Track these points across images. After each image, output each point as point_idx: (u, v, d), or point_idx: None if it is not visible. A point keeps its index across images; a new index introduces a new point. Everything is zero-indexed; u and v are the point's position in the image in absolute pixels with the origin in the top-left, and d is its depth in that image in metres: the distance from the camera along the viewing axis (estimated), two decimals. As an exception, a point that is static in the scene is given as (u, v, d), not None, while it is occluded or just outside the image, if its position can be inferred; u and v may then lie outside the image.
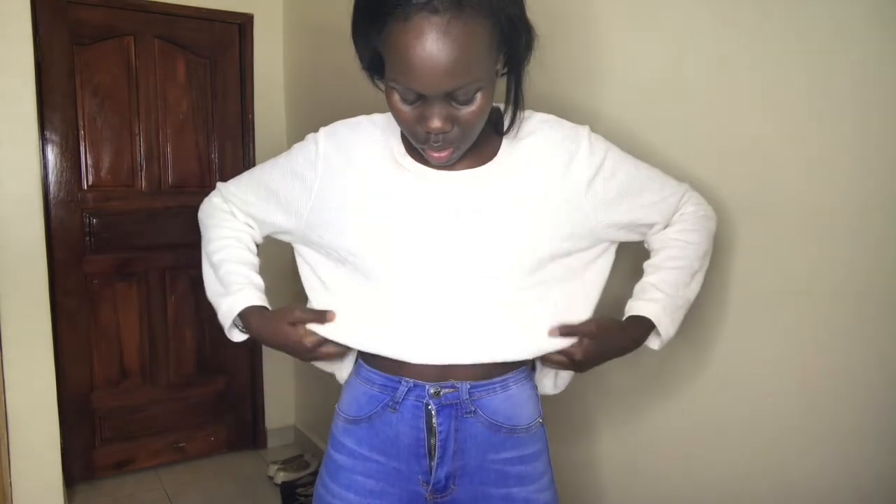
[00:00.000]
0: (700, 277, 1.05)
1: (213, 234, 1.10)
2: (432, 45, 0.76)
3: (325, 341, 0.98)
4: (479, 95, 0.82)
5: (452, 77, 0.78)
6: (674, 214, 1.04)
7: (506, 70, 0.90)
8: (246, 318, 1.02)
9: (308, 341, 0.98)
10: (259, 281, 1.06)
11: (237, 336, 1.06)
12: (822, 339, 1.04)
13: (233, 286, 1.03)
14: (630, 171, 0.99)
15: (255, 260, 1.09)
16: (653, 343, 1.03)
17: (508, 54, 0.86)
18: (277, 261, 1.74)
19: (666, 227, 1.04)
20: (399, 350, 0.94)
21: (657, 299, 1.00)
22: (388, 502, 0.98)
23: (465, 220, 0.92)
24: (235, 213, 1.10)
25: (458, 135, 0.85)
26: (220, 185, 1.14)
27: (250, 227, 1.10)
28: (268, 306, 1.04)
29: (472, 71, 0.79)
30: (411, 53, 0.77)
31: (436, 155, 0.88)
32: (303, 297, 1.05)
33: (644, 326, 1.00)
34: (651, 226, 1.02)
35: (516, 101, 0.92)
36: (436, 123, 0.82)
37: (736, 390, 1.18)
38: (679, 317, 1.02)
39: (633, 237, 1.03)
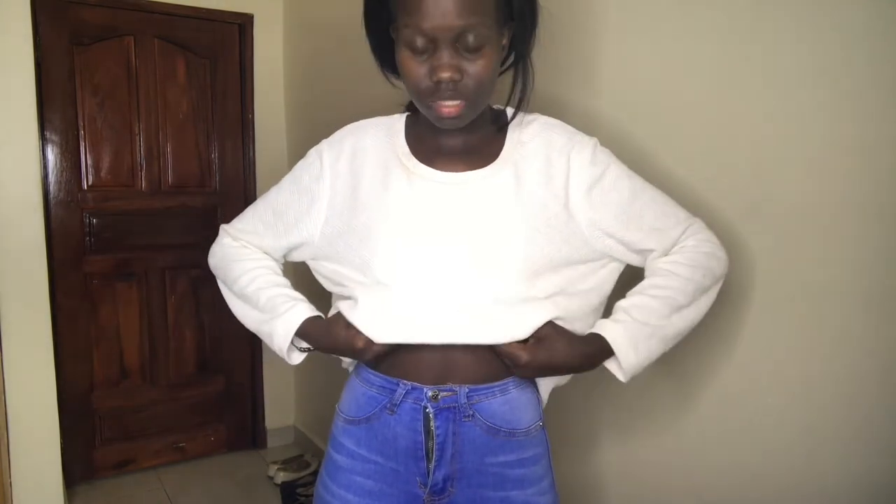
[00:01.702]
0: (688, 315, 0.97)
1: (236, 272, 1.07)
2: None
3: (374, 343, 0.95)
4: (486, 49, 0.84)
5: (460, 15, 0.80)
6: (673, 246, 0.99)
7: (512, 58, 0.92)
8: (305, 332, 1.00)
9: (362, 344, 0.95)
10: (302, 297, 1.04)
11: (296, 358, 1.04)
12: (824, 340, 1.04)
13: (280, 308, 1.01)
14: (632, 189, 0.97)
15: (287, 282, 1.07)
16: (615, 371, 0.95)
17: (515, 27, 0.88)
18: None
19: (664, 256, 1.00)
20: (401, 335, 0.93)
21: (621, 321, 0.94)
22: (387, 503, 0.98)
23: (467, 221, 0.92)
24: (248, 247, 1.10)
25: (468, 87, 0.85)
26: (224, 227, 1.13)
27: (268, 255, 1.10)
28: (322, 315, 1.03)
29: (479, 11, 0.81)
30: None
31: (445, 109, 0.86)
32: (320, 306, 1.06)
33: (599, 346, 0.94)
34: (650, 251, 0.99)
35: (525, 74, 0.92)
36: (445, 72, 0.83)
37: (737, 393, 1.18)
38: (648, 348, 0.94)
39: (632, 259, 1.01)
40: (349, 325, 0.96)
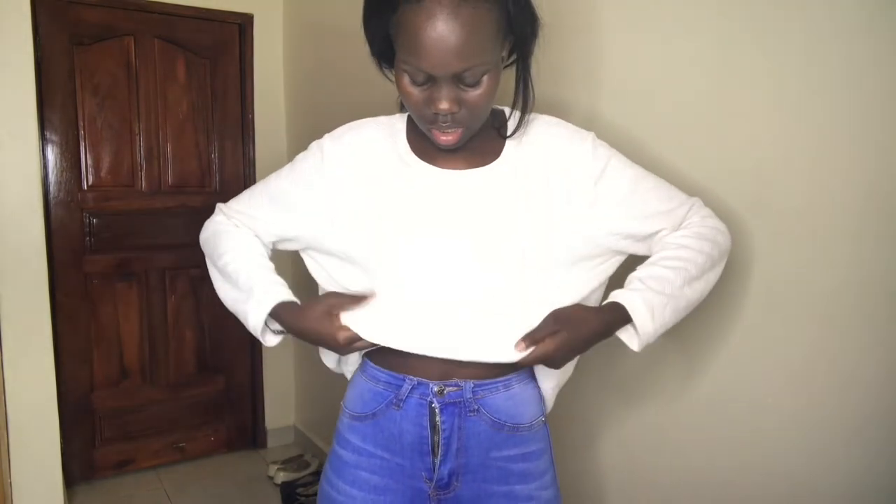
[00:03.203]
0: (699, 287, 0.98)
1: (222, 248, 1.06)
2: (442, 26, 0.79)
3: (358, 337, 0.93)
4: (485, 78, 0.85)
5: (461, 58, 0.81)
6: (681, 223, 1.00)
7: (511, 60, 0.92)
8: (278, 314, 0.98)
9: (341, 336, 0.92)
10: (282, 281, 1.03)
11: (271, 339, 1.02)
12: (822, 338, 1.05)
13: (256, 288, 1.00)
14: (635, 178, 0.98)
15: (271, 265, 1.06)
16: (630, 340, 0.96)
17: (515, 41, 0.89)
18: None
19: (673, 232, 1.00)
20: (404, 343, 0.92)
21: (638, 289, 0.94)
22: (392, 498, 0.98)
23: (468, 219, 0.93)
24: (240, 227, 1.09)
25: (466, 116, 0.87)
26: (220, 205, 1.13)
27: (258, 237, 1.08)
28: (297, 301, 1.01)
29: (479, 53, 0.82)
30: (421, 35, 0.80)
31: (443, 138, 0.89)
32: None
33: (617, 314, 0.94)
34: (658, 232, 0.99)
35: (525, 90, 0.93)
36: (444, 105, 0.84)
37: (736, 390, 1.18)
38: (663, 316, 0.94)
39: (639, 248, 1.01)
40: (334, 316, 0.93)
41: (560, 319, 0.92)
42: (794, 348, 1.09)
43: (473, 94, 0.85)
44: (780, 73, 1.06)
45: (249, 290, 1.00)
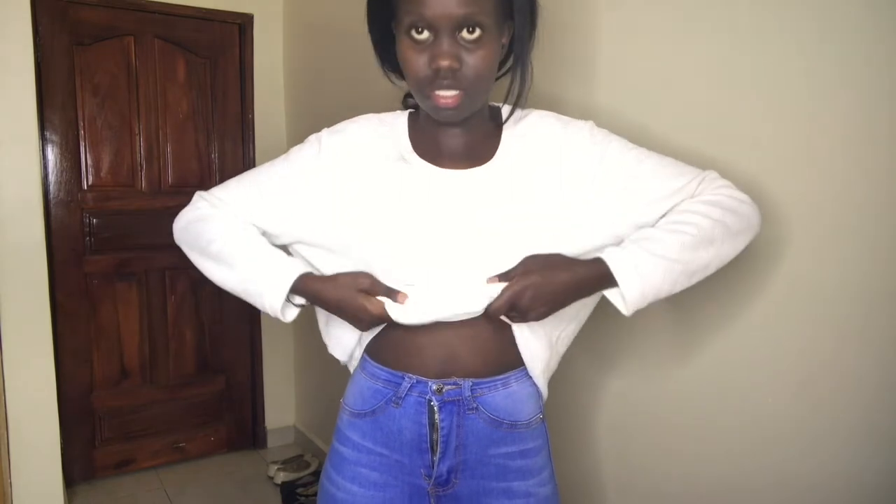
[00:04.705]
0: (704, 255, 0.91)
1: (211, 234, 1.01)
2: None
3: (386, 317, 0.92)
4: (485, 40, 0.85)
5: (461, 3, 0.81)
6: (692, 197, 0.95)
7: (510, 65, 0.92)
8: (300, 285, 0.95)
9: (375, 309, 0.92)
10: (284, 253, 1.00)
11: (290, 314, 0.99)
12: (821, 338, 1.05)
13: (266, 266, 0.96)
14: (638, 159, 0.96)
15: (266, 241, 1.01)
16: (616, 300, 0.91)
17: (514, 29, 0.89)
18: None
19: None
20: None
21: (625, 247, 0.90)
22: (391, 495, 0.99)
23: (469, 216, 0.93)
24: (223, 212, 1.04)
25: (466, 78, 0.86)
26: (201, 193, 1.07)
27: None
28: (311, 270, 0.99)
29: (480, 1, 0.82)
30: None
31: (443, 99, 0.86)
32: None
33: (598, 267, 0.89)
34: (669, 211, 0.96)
35: (524, 71, 0.92)
36: (445, 61, 0.83)
37: (735, 389, 1.18)
38: (653, 278, 0.88)
39: None
40: (368, 294, 0.92)
41: (532, 262, 0.90)
42: (793, 348, 1.09)
43: (474, 55, 0.84)
44: (779, 72, 1.06)
45: (258, 269, 0.97)
